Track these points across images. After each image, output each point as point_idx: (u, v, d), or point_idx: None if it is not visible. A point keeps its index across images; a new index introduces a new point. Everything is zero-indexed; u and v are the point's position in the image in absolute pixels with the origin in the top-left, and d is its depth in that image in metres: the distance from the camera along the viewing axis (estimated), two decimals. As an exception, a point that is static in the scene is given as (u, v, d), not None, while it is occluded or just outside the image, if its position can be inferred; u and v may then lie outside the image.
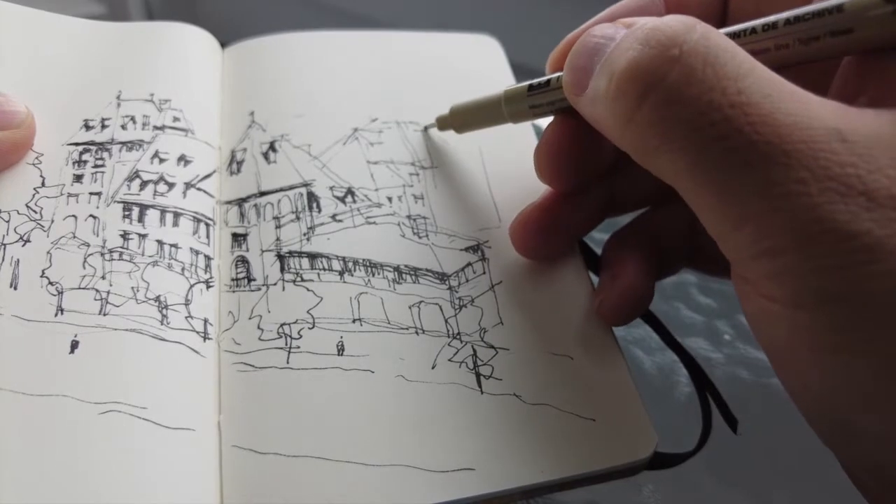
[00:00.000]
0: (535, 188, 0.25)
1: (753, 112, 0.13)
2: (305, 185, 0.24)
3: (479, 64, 0.29)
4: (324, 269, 0.22)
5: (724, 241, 0.15)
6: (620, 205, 0.22)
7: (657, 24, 0.15)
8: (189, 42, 0.27)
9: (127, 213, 0.22)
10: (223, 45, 0.28)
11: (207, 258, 0.22)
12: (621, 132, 0.15)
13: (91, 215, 0.21)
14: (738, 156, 0.13)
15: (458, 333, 0.21)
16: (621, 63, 0.15)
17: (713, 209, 0.14)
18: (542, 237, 0.21)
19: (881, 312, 0.13)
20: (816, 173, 0.13)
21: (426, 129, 0.26)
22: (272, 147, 0.25)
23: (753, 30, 0.15)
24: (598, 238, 0.33)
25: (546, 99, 0.20)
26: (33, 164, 0.22)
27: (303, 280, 0.21)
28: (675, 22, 0.14)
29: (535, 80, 0.20)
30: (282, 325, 0.20)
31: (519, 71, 0.28)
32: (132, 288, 0.20)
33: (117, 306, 0.20)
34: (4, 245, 0.20)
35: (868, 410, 0.13)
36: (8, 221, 0.21)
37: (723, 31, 0.16)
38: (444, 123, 0.25)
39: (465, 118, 0.24)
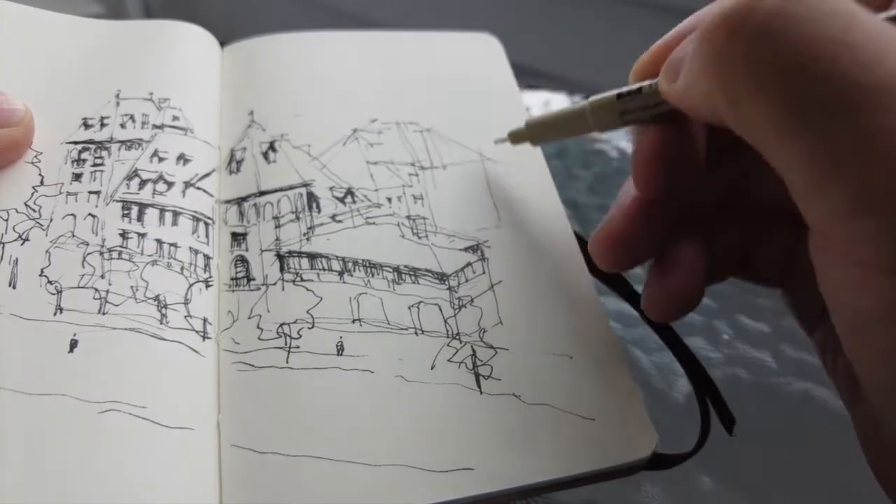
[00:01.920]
0: (534, 187, 0.25)
1: (861, 54, 0.12)
2: (305, 185, 0.24)
3: (479, 63, 0.29)
4: (323, 270, 0.22)
5: (810, 200, 0.13)
6: (693, 215, 0.21)
7: None
8: (188, 41, 0.27)
9: (126, 211, 0.22)
10: (222, 44, 0.28)
11: (207, 257, 0.22)
12: (708, 84, 0.14)
13: (90, 214, 0.21)
14: (842, 101, 0.12)
15: (458, 334, 0.21)
16: (711, 14, 0.14)
17: (803, 163, 0.13)
18: (629, 245, 0.20)
19: None
20: None
21: (496, 142, 0.25)
22: (272, 147, 0.25)
23: None
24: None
25: (637, 104, 0.19)
26: (32, 163, 0.22)
27: (302, 280, 0.21)
28: None
29: (624, 89, 0.20)
30: (281, 325, 0.20)
31: (519, 71, 0.28)
32: (131, 287, 0.20)
33: (116, 305, 0.20)
34: (3, 244, 0.20)
35: None
36: (7, 220, 0.21)
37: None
38: (518, 137, 0.24)
39: (545, 130, 0.23)
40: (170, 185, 0.23)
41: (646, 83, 0.19)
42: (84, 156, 0.23)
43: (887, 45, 0.12)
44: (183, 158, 0.24)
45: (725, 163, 0.21)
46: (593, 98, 0.21)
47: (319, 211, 0.23)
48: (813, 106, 0.13)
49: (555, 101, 0.40)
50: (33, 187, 0.22)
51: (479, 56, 0.29)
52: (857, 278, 0.13)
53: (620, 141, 0.40)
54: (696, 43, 0.15)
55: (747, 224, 0.21)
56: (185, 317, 0.20)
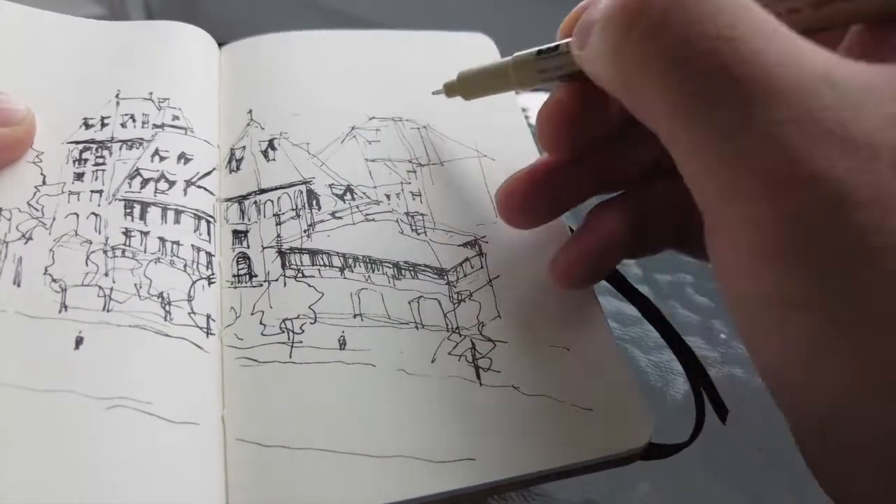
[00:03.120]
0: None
1: (743, 48, 0.13)
2: (305, 182, 0.24)
3: (473, 61, 0.29)
4: (324, 266, 0.22)
5: (698, 186, 0.14)
6: (613, 182, 0.22)
7: None
8: (186, 41, 0.27)
9: (128, 210, 0.22)
10: (220, 44, 0.29)
11: (209, 255, 0.22)
12: (608, 68, 0.15)
13: (93, 213, 0.22)
14: (722, 92, 0.13)
15: (457, 327, 0.21)
16: None
17: (690, 150, 0.14)
18: (527, 203, 0.21)
19: (840, 265, 0.12)
20: (799, 116, 0.12)
21: (434, 94, 0.25)
22: (271, 145, 0.25)
23: None
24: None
25: (554, 63, 0.20)
26: (34, 163, 0.22)
27: (304, 276, 0.22)
28: None
29: (545, 46, 0.20)
30: (284, 321, 0.21)
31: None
32: (135, 285, 0.20)
33: (121, 303, 0.20)
34: (6, 243, 0.20)
35: (818, 368, 0.13)
36: (10, 219, 0.21)
37: None
38: (452, 90, 0.24)
39: (474, 84, 0.24)
40: (171, 183, 0.23)
41: (563, 41, 0.19)
42: (85, 155, 0.23)
43: (771, 39, 0.13)
44: (183, 157, 0.24)
45: (647, 132, 0.21)
46: (517, 54, 0.21)
47: (319, 208, 0.23)
48: (698, 97, 0.13)
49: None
50: (35, 187, 0.22)
51: (474, 55, 0.30)
52: (733, 261, 0.14)
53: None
54: (597, 29, 0.15)
55: (677, 195, 0.20)
56: (189, 313, 0.20)
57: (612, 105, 0.19)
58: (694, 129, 0.14)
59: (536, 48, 0.20)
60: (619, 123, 0.20)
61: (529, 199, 0.21)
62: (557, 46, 0.20)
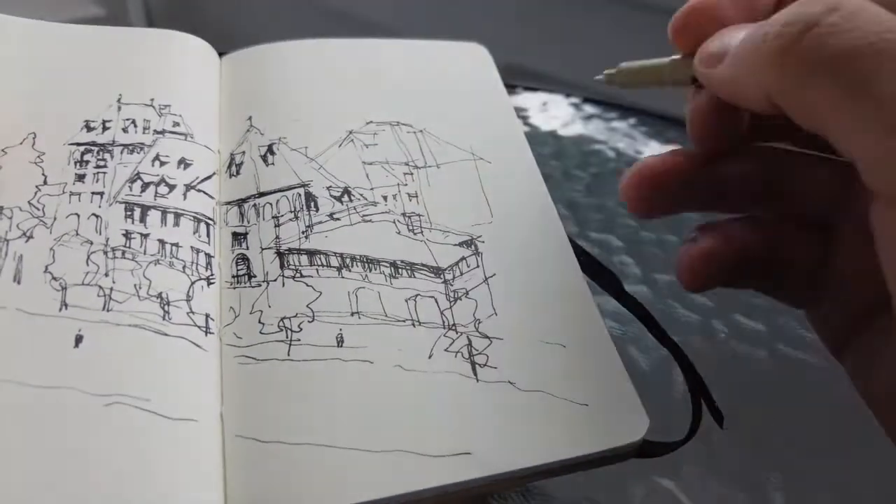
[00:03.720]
0: (524, 184, 0.25)
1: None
2: (303, 185, 0.24)
3: (467, 70, 0.30)
4: (322, 266, 0.22)
5: (879, 163, 0.14)
6: (729, 199, 0.21)
7: None
8: (187, 51, 0.28)
9: (129, 213, 0.22)
10: (221, 53, 0.29)
11: (208, 256, 0.22)
12: (775, 70, 0.15)
13: (94, 214, 0.22)
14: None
15: (454, 325, 0.21)
16: (781, 17, 0.15)
17: (868, 125, 0.14)
18: (662, 189, 0.20)
19: None
20: None
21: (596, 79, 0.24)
22: (270, 150, 0.26)
23: None
24: (595, 238, 0.33)
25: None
26: (35, 163, 0.23)
27: (302, 276, 0.22)
28: None
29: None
30: (282, 319, 0.21)
31: (518, 73, 0.29)
32: (135, 285, 0.21)
33: (120, 302, 0.20)
34: (7, 241, 0.21)
35: None
36: (11, 218, 0.21)
37: None
38: (609, 79, 0.23)
39: (630, 77, 0.22)
40: (171, 187, 0.23)
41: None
42: (87, 157, 0.23)
43: None
44: (184, 162, 0.24)
45: (761, 159, 0.21)
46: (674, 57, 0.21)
47: (317, 210, 0.24)
48: (882, 74, 0.14)
49: (552, 103, 0.41)
50: (37, 186, 0.22)
51: (468, 64, 0.30)
52: None
53: (618, 142, 0.40)
54: (762, 46, 0.16)
55: (778, 226, 0.20)
56: (188, 313, 0.21)
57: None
58: (875, 100, 0.14)
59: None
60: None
61: (663, 186, 0.20)
62: None
